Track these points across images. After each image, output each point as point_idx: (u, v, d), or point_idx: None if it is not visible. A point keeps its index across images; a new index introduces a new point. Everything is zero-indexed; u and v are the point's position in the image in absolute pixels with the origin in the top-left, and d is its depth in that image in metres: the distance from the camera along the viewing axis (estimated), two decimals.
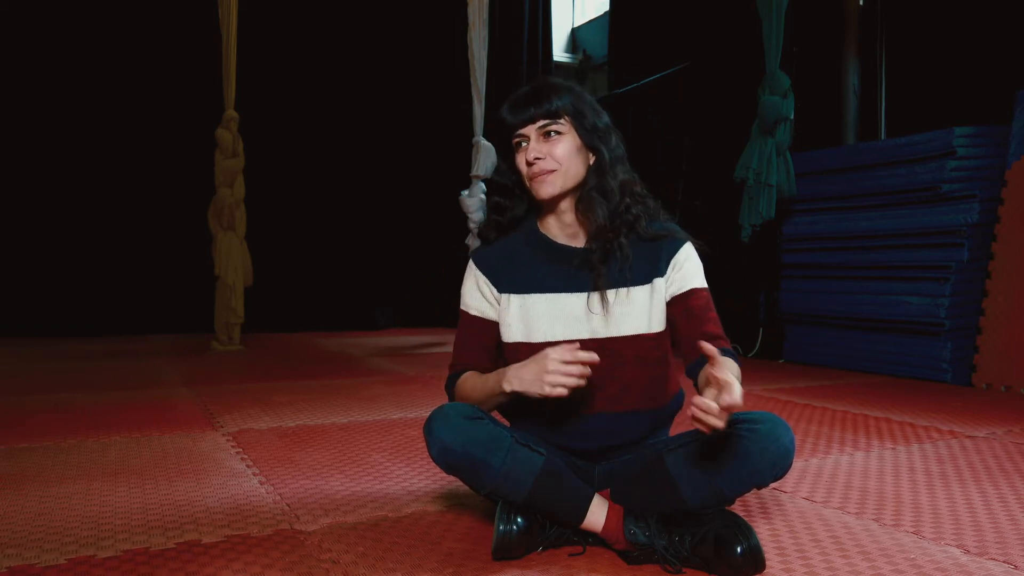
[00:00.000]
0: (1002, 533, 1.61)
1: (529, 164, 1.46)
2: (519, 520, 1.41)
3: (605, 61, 7.92)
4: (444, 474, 1.60)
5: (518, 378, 1.37)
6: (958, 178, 3.90)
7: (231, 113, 5.16)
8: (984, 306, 3.80)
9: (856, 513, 1.73)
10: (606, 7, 7.79)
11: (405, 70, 7.16)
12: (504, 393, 1.40)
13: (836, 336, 4.48)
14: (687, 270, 1.51)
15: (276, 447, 2.37)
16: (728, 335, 1.52)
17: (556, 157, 1.46)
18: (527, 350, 1.47)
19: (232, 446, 2.39)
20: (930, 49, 4.63)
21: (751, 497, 1.82)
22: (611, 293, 1.49)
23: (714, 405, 1.16)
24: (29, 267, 5.97)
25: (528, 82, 1.54)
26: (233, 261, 5.16)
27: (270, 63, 6.47)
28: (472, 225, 5.46)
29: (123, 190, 6.20)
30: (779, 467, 1.36)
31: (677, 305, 1.51)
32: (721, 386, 1.17)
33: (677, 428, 1.61)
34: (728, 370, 1.24)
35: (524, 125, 1.47)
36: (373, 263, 7.15)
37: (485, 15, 5.45)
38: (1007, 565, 1.42)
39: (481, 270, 1.57)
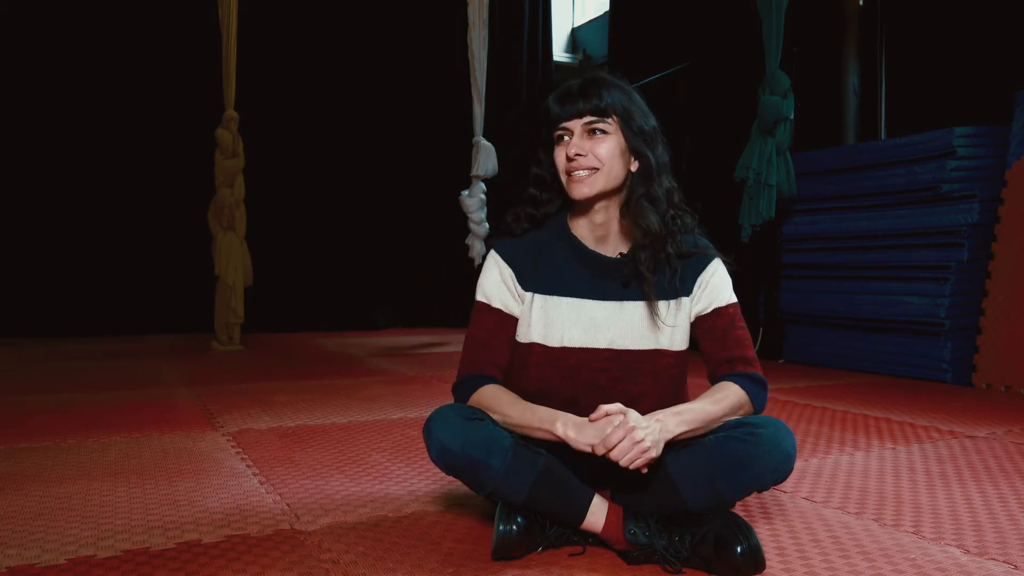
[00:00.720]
0: (1002, 533, 1.61)
1: (569, 159, 1.42)
2: (519, 520, 1.40)
3: (605, 61, 7.91)
4: (444, 474, 1.59)
5: (576, 428, 1.33)
6: (958, 178, 3.90)
7: (231, 113, 5.16)
8: (984, 306, 3.80)
9: (856, 513, 1.73)
10: (606, 7, 7.79)
11: (405, 70, 7.16)
12: (551, 432, 1.35)
13: (836, 336, 4.48)
14: (713, 287, 1.51)
15: (276, 447, 2.37)
16: None
17: (599, 156, 1.41)
18: (541, 351, 1.47)
19: (232, 446, 2.39)
20: (930, 49, 4.63)
21: (751, 497, 1.82)
22: (662, 304, 1.48)
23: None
24: (29, 267, 5.97)
25: (580, 73, 1.48)
26: (233, 261, 5.16)
27: (270, 63, 6.47)
28: (472, 225, 5.46)
29: (123, 190, 6.20)
30: (780, 471, 1.37)
31: (701, 325, 1.51)
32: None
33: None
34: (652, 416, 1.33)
35: (570, 119, 1.42)
36: (373, 263, 7.14)
37: (485, 15, 5.45)
38: (1007, 565, 1.42)
39: (507, 262, 1.52)
